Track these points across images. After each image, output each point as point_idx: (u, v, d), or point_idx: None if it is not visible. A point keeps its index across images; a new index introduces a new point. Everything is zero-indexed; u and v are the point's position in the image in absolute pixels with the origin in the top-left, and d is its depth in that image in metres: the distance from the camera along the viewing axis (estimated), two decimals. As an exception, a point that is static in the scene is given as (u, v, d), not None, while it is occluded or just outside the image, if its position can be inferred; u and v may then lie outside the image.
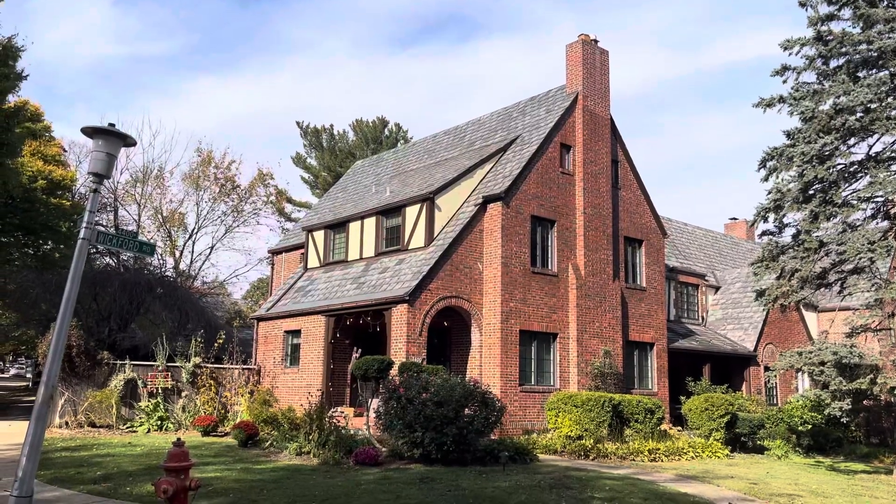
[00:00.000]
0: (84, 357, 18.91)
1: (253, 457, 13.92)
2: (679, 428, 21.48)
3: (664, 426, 19.69)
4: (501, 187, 19.68)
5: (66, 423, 18.37)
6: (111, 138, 8.18)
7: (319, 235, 23.51)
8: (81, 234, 8.09)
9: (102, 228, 20.78)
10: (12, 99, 25.78)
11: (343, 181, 32.33)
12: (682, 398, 21.33)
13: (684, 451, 16.98)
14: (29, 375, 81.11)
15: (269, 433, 15.91)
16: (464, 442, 13.29)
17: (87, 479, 10.73)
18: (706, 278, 30.07)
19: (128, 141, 8.32)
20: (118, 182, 45.95)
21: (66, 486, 10.20)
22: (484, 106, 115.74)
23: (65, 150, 44.59)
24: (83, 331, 20.05)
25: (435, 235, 19.79)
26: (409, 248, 20.12)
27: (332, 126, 58.71)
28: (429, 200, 19.87)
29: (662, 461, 15.94)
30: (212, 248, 50.11)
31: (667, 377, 23.29)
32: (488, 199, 19.77)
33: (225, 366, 21.46)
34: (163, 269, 40.99)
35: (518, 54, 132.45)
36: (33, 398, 34.05)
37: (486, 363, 18.98)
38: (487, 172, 21.40)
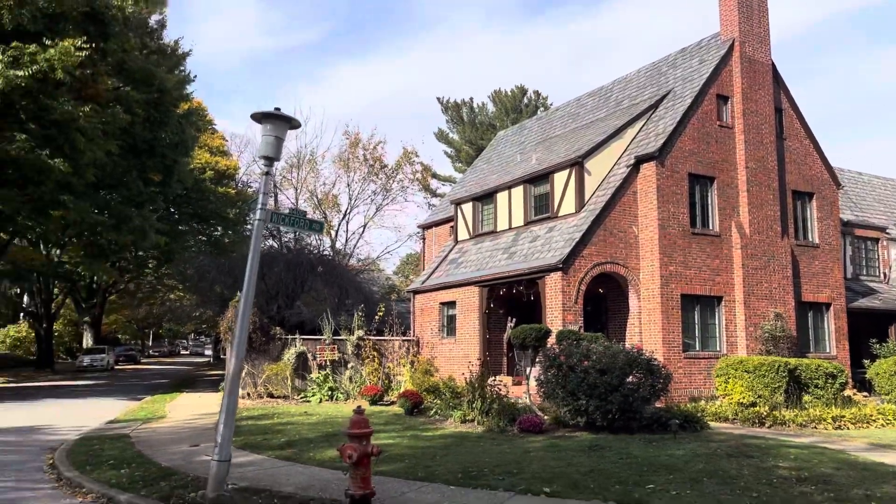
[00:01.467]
0: (259, 333, 20.30)
1: (420, 424, 14.34)
2: (864, 394, 19.80)
3: (847, 392, 18.21)
4: (654, 146, 18.83)
5: (248, 395, 19.85)
6: (278, 122, 8.54)
7: (467, 208, 23.69)
8: (258, 216, 8.55)
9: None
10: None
11: (487, 153, 32.33)
12: (866, 362, 19.63)
13: (873, 418, 15.60)
14: (209, 352, 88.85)
15: (433, 402, 16.32)
16: (629, 410, 12.95)
17: (274, 445, 11.49)
18: (887, 231, 27.36)
19: (293, 123, 8.67)
20: (276, 168, 48.55)
21: (255, 451, 10.97)
22: (623, 65, 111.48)
23: (226, 141, 47.85)
24: (257, 308, 21.49)
25: (586, 200, 19.32)
26: (559, 214, 19.78)
27: (471, 99, 58.87)
28: (577, 165, 19.40)
29: (849, 429, 14.75)
30: (364, 226, 52.01)
31: (846, 340, 21.51)
32: (641, 159, 18.99)
33: (386, 338, 22.26)
34: (321, 249, 43.22)
35: (658, 8, 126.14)
36: (215, 372, 36.95)
37: (647, 329, 18.38)
38: (638, 131, 20.54)
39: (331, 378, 20.45)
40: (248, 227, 46.59)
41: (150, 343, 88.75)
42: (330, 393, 19.93)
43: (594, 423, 12.92)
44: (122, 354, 55.18)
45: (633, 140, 20.37)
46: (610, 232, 18.60)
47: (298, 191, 49.34)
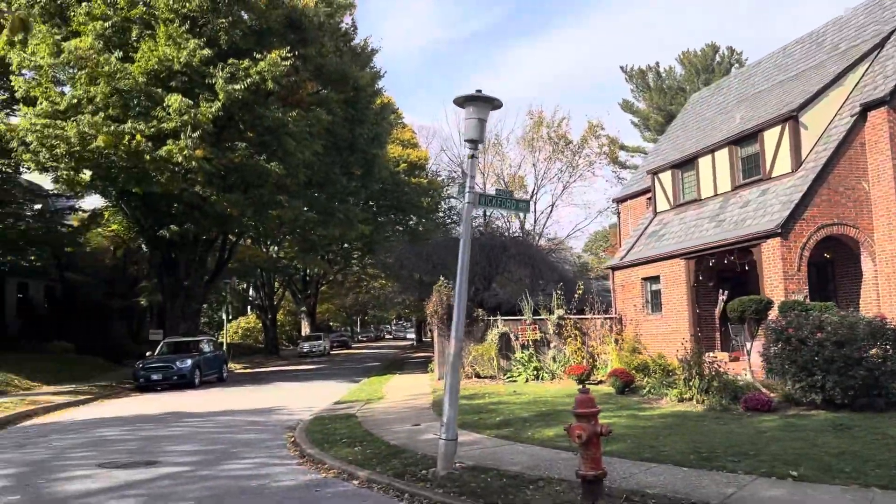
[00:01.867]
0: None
1: (633, 403, 13.89)
2: None
3: None
4: (884, 89, 16.67)
5: (456, 375, 20.42)
6: (480, 104, 8.54)
7: (666, 177, 22.55)
8: (467, 199, 8.62)
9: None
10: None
11: (681, 118, 30.58)
12: None
13: None
14: (411, 336, 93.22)
15: (645, 381, 15.75)
16: (875, 385, 11.60)
17: (490, 424, 11.66)
18: None
19: (495, 104, 8.63)
20: (463, 155, 49.45)
21: (473, 430, 11.19)
22: (816, 14, 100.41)
23: (415, 134, 49.58)
24: (472, 290, 22.00)
25: (803, 158, 17.58)
26: (772, 175, 18.18)
27: (656, 64, 56.18)
28: (791, 119, 17.69)
29: None
30: (552, 205, 51.64)
31: None
32: (868, 106, 16.92)
33: (587, 316, 21.87)
34: (510, 231, 43.55)
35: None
36: (420, 355, 38.36)
37: (887, 297, 16.40)
38: (861, 76, 18.31)
39: (535, 358, 20.47)
40: (441, 214, 48.08)
41: (359, 329, 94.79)
42: (535, 373, 19.96)
43: (832, 401, 11.72)
44: (335, 340, 59.44)
45: (855, 86, 18.19)
46: (835, 190, 16.78)
47: (485, 175, 49.98)
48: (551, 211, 53.95)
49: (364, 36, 41.72)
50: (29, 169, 23.73)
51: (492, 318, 21.52)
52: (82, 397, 20.33)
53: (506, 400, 15.03)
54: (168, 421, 15.03)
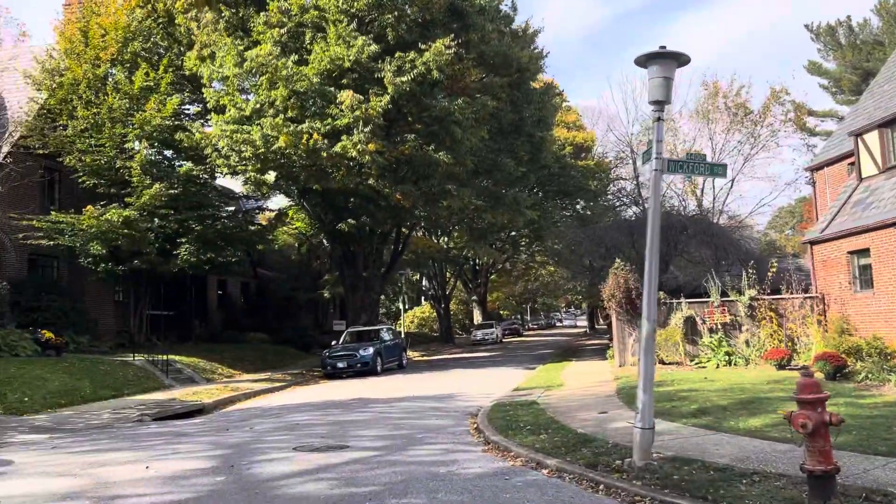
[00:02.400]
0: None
1: (849, 390, 12.37)
2: None
3: None
4: None
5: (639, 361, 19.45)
6: (665, 61, 7.77)
7: (872, 137, 20.02)
8: (654, 166, 7.91)
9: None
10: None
11: (886, 72, 27.13)
12: None
13: None
14: (581, 323, 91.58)
15: (859, 365, 14.01)
16: None
17: (684, 412, 10.80)
18: None
19: (681, 59, 7.82)
20: (631, 134, 47.56)
21: (666, 418, 10.40)
22: None
23: (579, 116, 48.30)
24: (637, 273, 20.97)
25: None
26: None
27: (848, 18, 50.60)
28: None
29: None
30: (732, 180, 48.10)
31: None
32: None
33: (783, 296, 19.98)
34: (685, 209, 41.14)
35: None
36: (594, 342, 37.30)
37: None
38: None
39: (725, 342, 18.99)
40: (609, 197, 46.52)
41: (528, 317, 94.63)
42: (727, 358, 18.51)
43: None
44: (507, 328, 59.61)
45: None
46: None
47: (657, 153, 47.58)
48: (731, 186, 50.36)
49: (525, 17, 41.17)
50: (221, 174, 25.62)
51: (675, 300, 20.27)
52: (277, 384, 21.64)
53: (698, 387, 13.97)
54: (354, 406, 15.50)
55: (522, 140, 26.16)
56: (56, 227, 21.85)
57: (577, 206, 47.20)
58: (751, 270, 19.86)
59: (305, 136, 20.62)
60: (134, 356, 21.39)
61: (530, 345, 46.83)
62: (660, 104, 7.86)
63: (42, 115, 22.73)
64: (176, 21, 24.44)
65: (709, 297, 19.81)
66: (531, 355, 33.45)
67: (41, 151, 22.57)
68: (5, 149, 22.05)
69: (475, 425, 11.50)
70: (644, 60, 7.83)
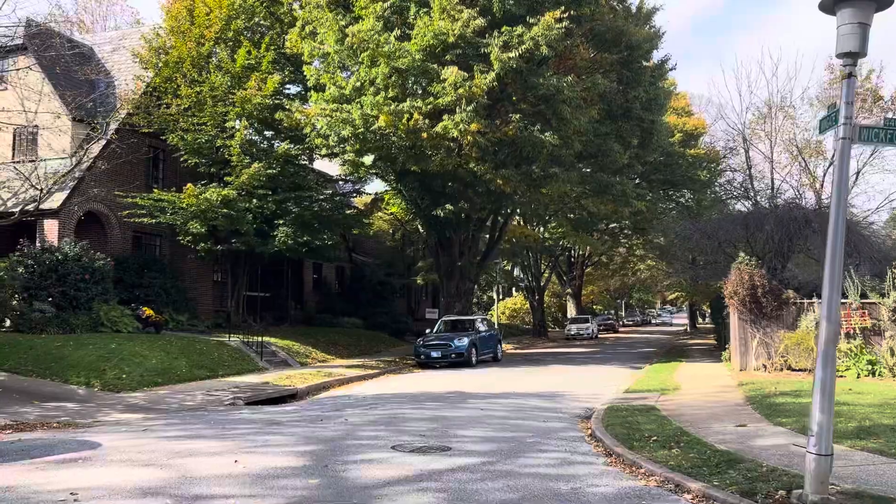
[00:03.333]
0: (770, 297, 17.86)
1: None
2: None
3: None
4: None
5: (764, 366, 17.62)
6: (859, 3, 6.29)
7: None
8: (840, 133, 6.42)
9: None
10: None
11: None
12: None
13: None
14: (679, 321, 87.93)
15: None
16: None
17: (844, 432, 9.18)
18: None
19: (881, 3, 6.32)
20: (744, 122, 44.61)
21: (822, 437, 8.82)
22: None
23: (689, 102, 45.64)
24: (765, 269, 19.06)
25: None
26: None
27: None
28: None
29: None
30: (857, 172, 44.38)
31: None
32: None
33: (936, 300, 17.59)
34: (803, 201, 38.04)
35: None
36: (698, 342, 34.97)
37: None
38: None
39: (865, 349, 16.89)
40: (717, 189, 43.77)
41: (623, 312, 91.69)
42: (869, 367, 16.43)
43: None
44: (602, 323, 57.49)
45: None
46: None
47: (773, 142, 44.41)
48: (856, 178, 46.49)
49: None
50: (319, 155, 25.25)
51: (806, 301, 18.25)
52: (370, 371, 21.00)
53: (845, 399, 12.18)
54: (452, 400, 14.53)
55: (632, 123, 24.42)
56: (158, 205, 21.95)
57: (682, 199, 44.74)
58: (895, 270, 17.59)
59: (406, 116, 19.78)
60: (230, 337, 21.23)
61: (628, 342, 44.79)
62: (852, 56, 6.37)
63: (147, 94, 22.89)
64: (279, -1, 24.13)
65: (847, 297, 17.67)
66: (633, 353, 31.68)
67: (146, 130, 22.73)
68: (112, 126, 22.30)
69: (589, 431, 10.28)
70: (832, 4, 6.35)
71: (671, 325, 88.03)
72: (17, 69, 20.94)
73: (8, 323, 18.45)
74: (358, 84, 20.59)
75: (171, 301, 22.98)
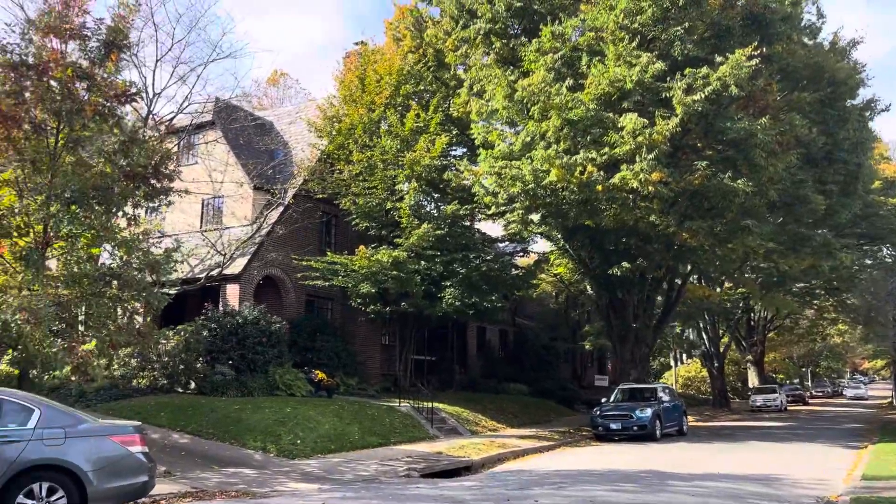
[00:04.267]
0: None
1: None
2: None
3: None
4: None
5: None
6: None
7: None
8: None
9: None
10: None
11: None
12: None
13: None
14: (878, 392, 78.06)
15: None
16: None
17: None
18: None
19: None
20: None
21: None
22: None
23: (887, 145, 41.30)
24: None
25: None
26: None
27: None
28: None
29: None
30: None
31: None
32: None
33: None
34: None
35: None
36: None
37: None
38: None
39: None
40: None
41: (809, 382, 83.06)
42: None
43: None
44: (790, 394, 51.89)
45: None
46: None
47: None
48: None
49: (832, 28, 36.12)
50: (485, 214, 24.65)
51: None
52: (545, 443, 19.51)
53: None
54: (648, 482, 12.75)
55: (835, 167, 21.77)
56: (331, 267, 22.14)
57: (880, 253, 40.07)
58: None
59: (579, 169, 18.68)
60: (400, 402, 20.63)
61: (825, 415, 39.74)
62: None
63: (322, 161, 23.52)
64: (445, 60, 24.22)
65: None
66: (839, 429, 27.71)
67: (320, 196, 23.25)
68: (290, 193, 23.01)
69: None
70: None
71: (863, 398, 78.40)
72: (206, 142, 22.23)
73: (192, 385, 18.95)
74: (528, 139, 19.86)
75: (341, 364, 22.88)
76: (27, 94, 12.43)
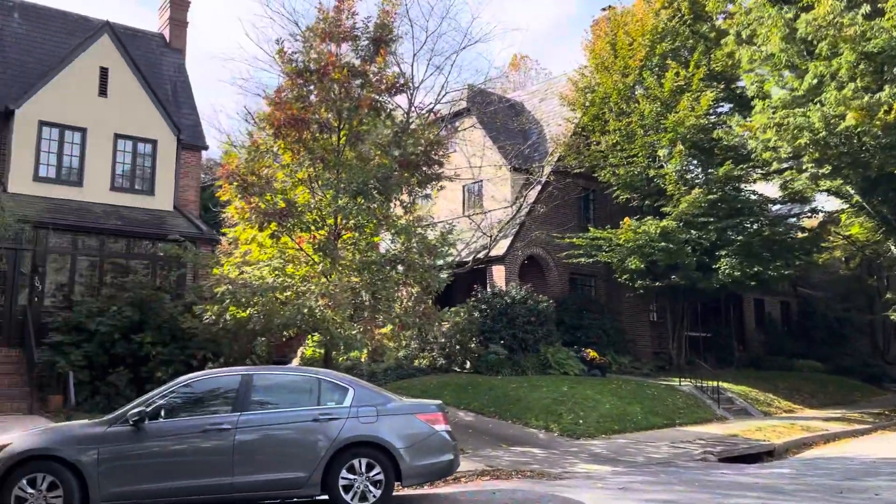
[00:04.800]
0: None
1: None
2: None
3: None
4: None
5: None
6: None
7: None
8: None
9: None
10: None
11: None
12: None
13: None
14: None
15: None
16: None
17: None
18: None
19: None
20: None
21: None
22: None
23: None
24: None
25: None
26: None
27: None
28: None
29: None
30: None
31: None
32: None
33: None
34: None
35: None
36: None
37: None
38: None
39: None
40: None
41: None
42: None
43: None
44: None
45: None
46: None
47: None
48: None
49: None
50: (763, 173, 22.23)
51: None
52: (858, 426, 17.11)
53: None
54: None
55: None
56: (594, 243, 21.45)
57: None
58: None
59: (884, 108, 15.90)
60: (680, 381, 19.40)
61: None
62: None
63: (577, 134, 22.87)
64: (706, 8, 22.19)
65: None
66: None
67: (577, 171, 22.64)
68: (547, 170, 22.70)
69: None
70: None
71: None
72: (464, 129, 22.68)
73: (468, 364, 19.44)
74: (814, 82, 17.36)
75: (610, 342, 22.13)
76: (312, 98, 13.38)
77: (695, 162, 22.44)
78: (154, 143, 19.33)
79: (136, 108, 19.14)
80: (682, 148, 20.75)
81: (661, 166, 21.40)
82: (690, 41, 23.43)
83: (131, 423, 7.29)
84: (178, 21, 22.93)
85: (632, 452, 12.89)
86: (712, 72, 22.43)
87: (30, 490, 6.86)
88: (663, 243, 20.22)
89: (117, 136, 18.87)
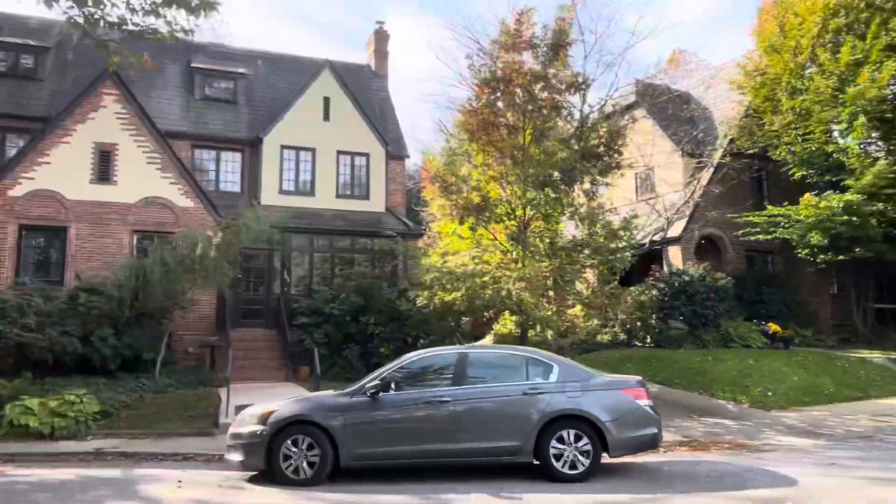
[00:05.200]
0: None
1: None
2: None
3: None
4: None
5: None
6: None
7: None
8: None
9: None
10: None
11: None
12: None
13: None
14: None
15: None
16: None
17: None
18: None
19: None
20: None
21: None
22: None
23: None
24: None
25: None
26: None
27: None
28: None
29: None
30: None
31: None
32: None
33: None
34: None
35: None
36: None
37: None
38: None
39: None
40: None
41: None
42: None
43: None
44: None
45: None
46: None
47: None
48: None
49: None
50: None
51: None
52: None
53: None
54: None
55: None
56: (772, 220, 19.20)
57: None
58: None
59: None
60: (871, 353, 16.80)
61: None
62: None
63: (748, 116, 20.60)
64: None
65: None
66: None
67: (751, 151, 20.40)
68: (718, 153, 20.71)
69: None
70: None
71: None
72: (635, 120, 21.28)
73: (648, 339, 18.23)
74: None
75: (792, 315, 19.74)
76: (499, 103, 13.04)
77: (874, 134, 19.31)
78: (367, 156, 20.11)
79: (352, 128, 20.01)
80: (864, 120, 17.90)
81: (839, 141, 18.64)
82: (865, 13, 20.15)
83: (368, 394, 7.36)
84: (381, 52, 23.71)
85: (830, 425, 11.25)
86: (892, 42, 19.12)
87: (293, 449, 7.15)
88: (846, 217, 17.61)
89: (339, 153, 19.86)
